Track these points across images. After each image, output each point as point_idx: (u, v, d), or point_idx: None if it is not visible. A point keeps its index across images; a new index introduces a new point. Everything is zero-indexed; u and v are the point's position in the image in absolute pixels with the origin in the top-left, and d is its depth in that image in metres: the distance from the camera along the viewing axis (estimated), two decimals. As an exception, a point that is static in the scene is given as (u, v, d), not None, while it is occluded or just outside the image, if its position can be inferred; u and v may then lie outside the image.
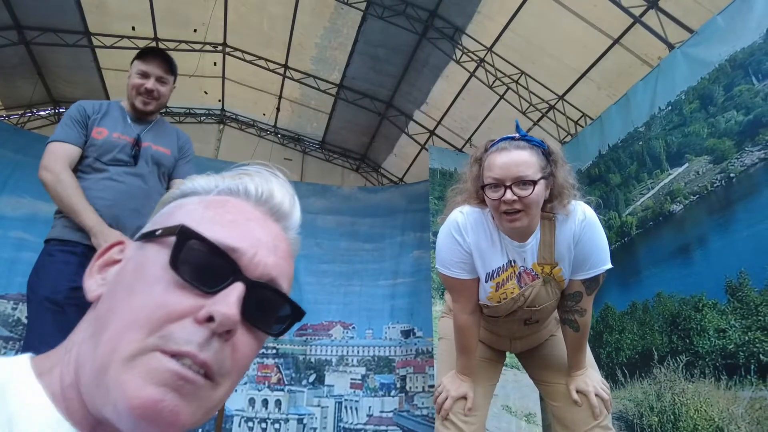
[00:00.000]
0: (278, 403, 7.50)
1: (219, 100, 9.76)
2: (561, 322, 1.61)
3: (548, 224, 1.48)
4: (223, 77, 9.03)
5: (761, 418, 3.36)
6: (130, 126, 2.04)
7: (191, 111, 9.86)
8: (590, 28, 5.88)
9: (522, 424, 5.69)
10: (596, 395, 1.55)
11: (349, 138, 10.08)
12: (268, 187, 0.58)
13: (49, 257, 1.78)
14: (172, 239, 0.48)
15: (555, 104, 6.98)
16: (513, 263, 1.51)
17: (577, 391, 1.57)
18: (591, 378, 1.59)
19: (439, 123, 8.58)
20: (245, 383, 7.56)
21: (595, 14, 5.73)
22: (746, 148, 3.87)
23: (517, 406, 5.75)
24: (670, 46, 5.07)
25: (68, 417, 0.45)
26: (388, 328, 8.14)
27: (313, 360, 7.99)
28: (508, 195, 1.36)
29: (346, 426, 7.52)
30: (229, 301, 0.46)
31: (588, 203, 1.50)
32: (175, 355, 0.44)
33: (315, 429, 7.46)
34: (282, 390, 7.63)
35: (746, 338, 3.55)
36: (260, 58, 8.36)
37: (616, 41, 5.86)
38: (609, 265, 1.48)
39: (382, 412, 7.56)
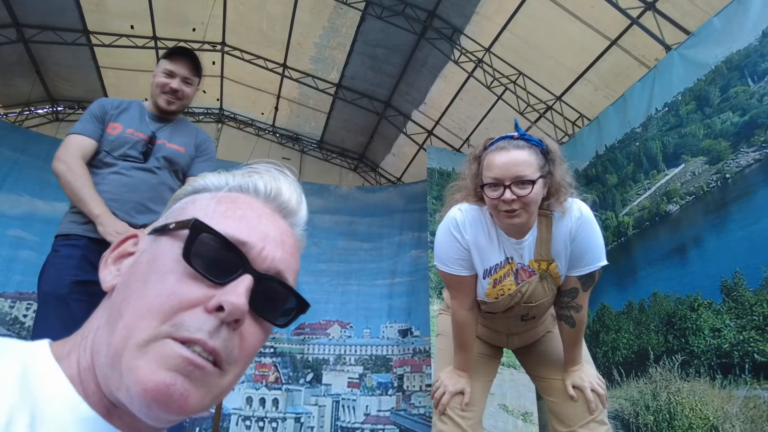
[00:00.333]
0: (275, 401, 7.51)
1: (217, 99, 9.77)
2: (557, 318, 1.63)
3: (545, 221, 1.50)
4: (222, 76, 9.03)
5: (755, 416, 3.38)
6: (148, 123, 2.04)
7: (189, 110, 9.85)
8: (588, 29, 5.90)
9: (519, 423, 5.71)
10: (592, 390, 1.57)
11: (347, 138, 10.10)
12: (276, 185, 0.60)
13: (54, 253, 1.80)
14: (185, 232, 0.50)
15: (552, 105, 7.01)
16: (510, 260, 1.54)
17: (573, 387, 1.59)
18: (587, 373, 1.61)
19: (437, 123, 8.60)
20: (243, 382, 7.56)
21: (593, 15, 5.76)
22: (742, 149, 3.90)
23: (514, 405, 5.78)
24: (667, 48, 5.10)
25: (85, 399, 0.47)
26: (386, 327, 8.16)
27: (310, 359, 8.00)
28: (507, 194, 1.37)
29: (344, 425, 7.53)
30: (238, 291, 0.48)
31: (584, 201, 1.52)
32: (186, 342, 0.46)
33: (312, 428, 7.47)
34: (279, 389, 7.64)
35: (741, 338, 3.58)
36: (259, 57, 8.36)
37: (614, 42, 5.89)
38: (605, 262, 1.50)
39: (379, 411, 7.58)
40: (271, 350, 7.88)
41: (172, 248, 0.51)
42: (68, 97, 8.94)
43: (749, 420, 3.42)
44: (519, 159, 1.39)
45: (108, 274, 0.55)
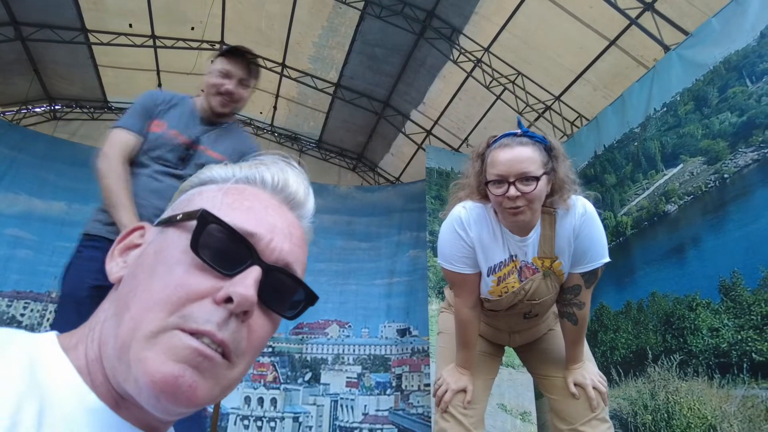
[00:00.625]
0: (274, 401, 7.51)
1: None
2: (559, 315, 1.63)
3: (548, 219, 1.50)
4: (220, 75, 9.00)
5: (753, 416, 3.39)
6: (195, 126, 1.93)
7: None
8: (587, 29, 5.92)
9: (517, 422, 5.72)
10: (594, 388, 1.57)
11: (346, 137, 10.09)
12: (283, 176, 0.60)
13: (77, 254, 1.75)
14: (193, 223, 0.50)
15: (551, 105, 7.02)
16: (514, 258, 1.54)
17: (575, 384, 1.59)
18: (588, 371, 1.61)
19: (436, 123, 8.60)
20: (241, 381, 7.54)
21: (592, 16, 5.77)
22: (740, 150, 3.92)
23: (513, 404, 5.79)
24: (666, 48, 5.11)
25: (93, 390, 0.47)
26: (384, 326, 8.16)
27: (309, 358, 8.00)
28: (512, 191, 1.38)
29: (342, 424, 7.53)
30: (246, 282, 0.48)
31: (587, 198, 1.52)
32: (195, 334, 0.45)
33: (310, 427, 7.46)
34: (278, 388, 7.63)
35: (739, 337, 3.59)
36: (257, 56, 8.34)
37: (612, 42, 5.91)
38: (607, 259, 1.51)
39: (377, 410, 7.58)
40: (270, 350, 7.87)
41: (179, 239, 0.51)
42: (66, 95, 8.91)
43: (747, 419, 3.43)
44: (523, 155, 1.39)
45: (114, 266, 0.55)
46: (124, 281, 0.52)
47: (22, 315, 6.84)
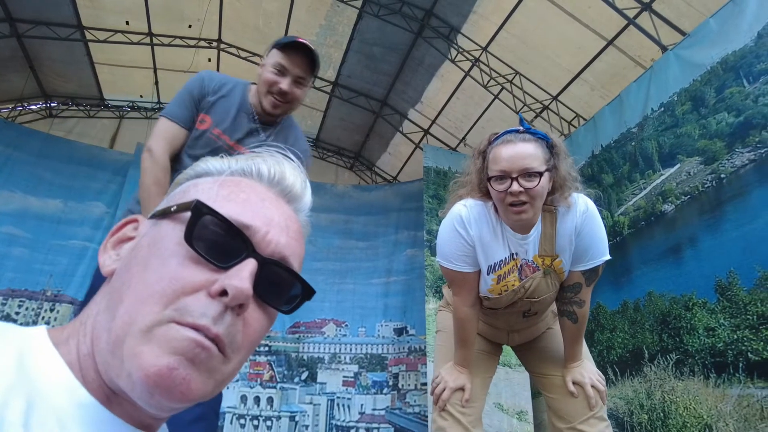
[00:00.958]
0: (270, 400, 7.49)
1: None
2: (559, 314, 1.63)
3: (549, 217, 1.49)
4: (218, 74, 8.98)
5: (749, 415, 3.41)
6: (243, 124, 1.74)
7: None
8: (584, 29, 5.92)
9: (514, 421, 5.73)
10: (592, 386, 1.57)
11: (343, 136, 10.08)
12: (280, 169, 0.59)
13: None
14: (187, 215, 0.49)
15: (549, 104, 7.03)
16: (515, 256, 1.53)
17: (574, 383, 1.59)
18: (587, 369, 1.61)
19: (433, 122, 8.60)
20: (237, 380, 7.53)
21: (590, 15, 5.78)
22: (736, 150, 3.93)
23: (509, 404, 5.79)
24: (663, 48, 5.12)
25: (84, 385, 0.46)
26: (381, 326, 8.15)
27: (305, 357, 7.98)
28: (515, 187, 1.37)
29: (338, 423, 7.52)
30: (242, 275, 0.47)
31: (588, 196, 1.52)
32: (190, 327, 0.45)
33: (307, 426, 7.45)
34: (274, 387, 7.62)
35: (735, 337, 3.60)
36: (255, 54, 8.32)
37: (610, 42, 5.92)
38: (608, 257, 1.50)
39: (374, 409, 7.57)
40: (266, 348, 7.86)
41: (173, 231, 0.50)
42: (62, 93, 8.85)
43: (743, 418, 3.44)
44: (526, 152, 1.39)
45: (107, 258, 0.54)
46: (117, 274, 0.51)
47: (17, 313, 6.80)
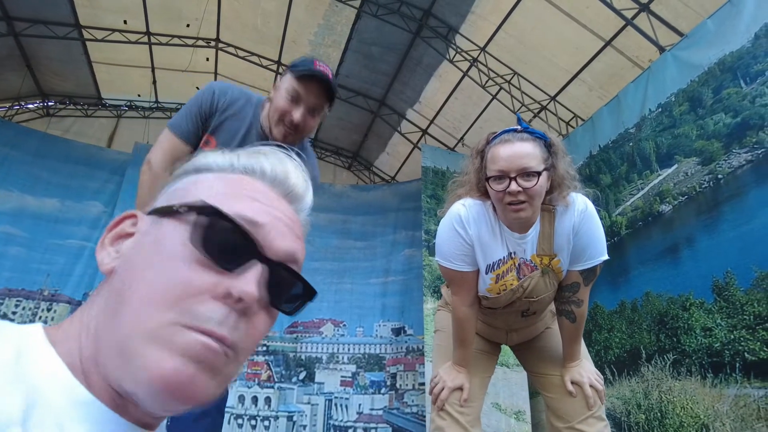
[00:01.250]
0: (268, 400, 7.48)
1: (211, 96, 9.69)
2: (557, 313, 1.63)
3: (548, 216, 1.50)
4: (216, 73, 8.96)
5: (745, 415, 3.42)
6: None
7: (181, 107, 9.78)
8: (582, 29, 5.93)
9: (511, 421, 5.74)
10: (590, 386, 1.57)
11: (341, 136, 10.07)
12: (283, 168, 0.58)
13: None
14: (192, 215, 0.48)
15: (547, 105, 7.04)
16: (513, 255, 1.53)
17: (572, 382, 1.59)
18: (585, 369, 1.61)
19: (431, 122, 8.61)
20: (235, 380, 7.50)
21: (588, 16, 5.79)
22: (734, 150, 3.94)
23: (507, 403, 5.80)
24: (661, 49, 5.13)
25: (88, 387, 0.45)
26: (379, 325, 8.15)
27: (303, 357, 7.98)
28: (513, 186, 1.37)
29: (336, 423, 7.52)
30: (248, 278, 0.47)
31: (586, 195, 1.52)
32: (196, 330, 0.45)
33: (305, 426, 7.44)
34: (272, 387, 7.60)
35: (732, 337, 3.61)
36: (253, 54, 8.32)
37: (608, 43, 5.93)
38: (606, 256, 1.51)
39: (372, 409, 7.57)
40: (264, 348, 7.84)
41: (177, 231, 0.49)
42: (59, 92, 8.83)
43: (739, 418, 3.45)
44: (524, 151, 1.39)
45: (106, 255, 0.51)
46: (117, 273, 0.49)
47: (14, 313, 6.77)
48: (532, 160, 1.38)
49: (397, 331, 8.04)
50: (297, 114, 1.59)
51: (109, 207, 7.66)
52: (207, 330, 0.45)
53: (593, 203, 1.51)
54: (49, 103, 8.98)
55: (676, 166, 4.50)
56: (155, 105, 9.35)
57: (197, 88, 9.37)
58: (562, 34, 6.11)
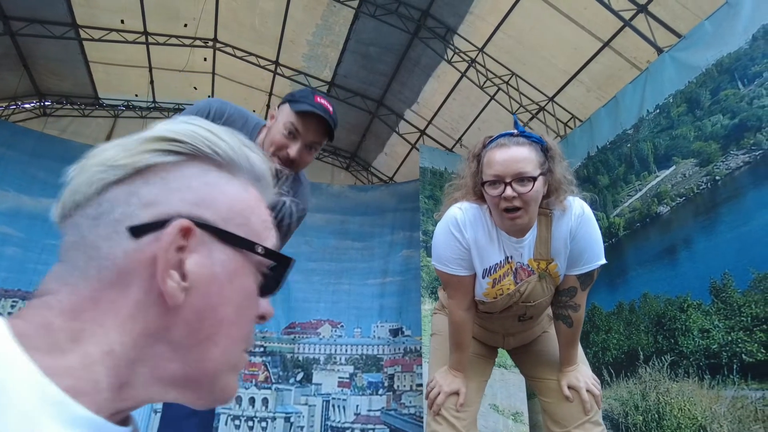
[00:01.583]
0: (265, 401, 7.47)
1: (209, 96, 9.68)
2: (554, 317, 1.62)
3: (545, 220, 1.48)
4: (213, 73, 8.95)
5: (743, 416, 3.42)
6: None
7: (180, 107, 9.76)
8: (581, 30, 5.93)
9: (509, 422, 5.73)
10: (587, 391, 1.56)
11: (339, 136, 10.05)
12: (265, 167, 0.55)
13: None
14: (263, 260, 0.50)
15: (545, 106, 7.04)
16: (510, 259, 1.52)
17: (569, 387, 1.58)
18: (582, 374, 1.60)
19: (429, 123, 8.60)
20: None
21: (586, 17, 5.78)
22: (731, 152, 3.94)
23: (505, 405, 5.80)
24: (659, 50, 5.13)
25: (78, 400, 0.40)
26: (377, 326, 8.14)
27: (300, 358, 7.96)
28: (508, 191, 1.36)
29: (334, 424, 7.51)
30: (268, 300, 0.54)
31: (583, 199, 1.51)
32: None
33: (302, 427, 7.43)
34: (269, 388, 7.59)
35: (729, 338, 3.61)
36: (251, 54, 8.30)
37: (606, 44, 5.93)
38: (603, 261, 1.50)
39: (369, 410, 7.56)
40: (261, 349, 7.83)
41: (246, 268, 0.49)
42: (56, 91, 8.80)
43: (737, 420, 3.46)
44: (520, 156, 1.38)
45: (176, 288, 0.43)
46: (193, 307, 0.45)
47: (10, 314, 6.74)
48: (528, 165, 1.37)
49: (395, 332, 8.03)
50: (293, 150, 1.55)
51: (106, 207, 7.63)
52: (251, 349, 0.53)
53: (591, 207, 1.50)
54: (46, 103, 8.95)
55: (673, 167, 4.50)
56: (152, 105, 9.32)
57: (195, 88, 9.39)
58: (560, 35, 6.11)
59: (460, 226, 1.50)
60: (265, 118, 1.76)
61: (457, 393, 1.61)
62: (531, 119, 7.16)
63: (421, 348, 6.84)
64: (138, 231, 0.44)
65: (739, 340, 3.54)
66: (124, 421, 0.46)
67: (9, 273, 6.93)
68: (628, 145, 5.09)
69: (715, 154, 4.07)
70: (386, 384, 7.75)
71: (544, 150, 1.43)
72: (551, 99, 6.93)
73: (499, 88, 7.15)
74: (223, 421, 7.19)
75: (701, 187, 4.16)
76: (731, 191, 3.90)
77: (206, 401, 0.48)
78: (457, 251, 1.50)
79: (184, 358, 0.45)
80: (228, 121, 1.62)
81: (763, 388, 3.34)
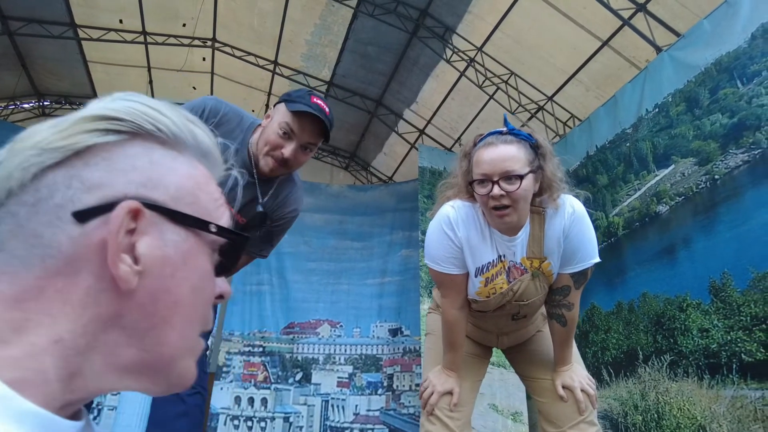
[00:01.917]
0: (264, 401, 7.46)
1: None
2: (548, 316, 1.61)
3: (537, 218, 1.48)
4: (212, 73, 8.95)
5: (742, 416, 3.41)
6: (245, 185, 1.56)
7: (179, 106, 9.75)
8: (579, 29, 5.92)
9: (508, 422, 5.72)
10: (582, 390, 1.55)
11: (338, 136, 10.04)
12: (211, 142, 0.53)
13: None
14: (215, 238, 0.49)
15: (544, 105, 7.03)
16: (503, 258, 1.51)
17: (563, 387, 1.57)
18: (577, 373, 1.60)
19: (428, 122, 8.59)
20: (231, 381, 7.50)
21: (585, 16, 5.77)
22: (730, 151, 3.93)
23: (504, 404, 5.78)
24: (658, 49, 5.12)
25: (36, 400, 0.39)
26: (376, 326, 8.13)
27: (299, 358, 7.95)
28: (496, 190, 1.36)
29: (333, 425, 7.50)
30: (225, 280, 0.53)
31: (576, 197, 1.50)
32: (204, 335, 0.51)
33: (301, 427, 7.42)
34: (268, 388, 7.58)
35: (728, 338, 3.60)
36: (250, 54, 8.30)
37: (605, 43, 5.92)
38: (597, 259, 1.49)
39: (368, 410, 7.55)
40: (260, 349, 7.82)
41: (199, 248, 0.47)
42: (55, 91, 8.80)
43: (736, 420, 3.45)
44: (507, 154, 1.38)
45: (129, 271, 0.42)
46: (142, 289, 0.43)
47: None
48: (516, 163, 1.36)
49: (394, 332, 8.02)
50: (288, 150, 1.54)
51: (105, 207, 7.63)
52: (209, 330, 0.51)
53: (585, 205, 1.49)
54: (45, 103, 8.95)
55: (673, 166, 4.48)
56: (152, 106, 9.32)
57: (194, 87, 9.37)
58: (559, 35, 6.10)
59: (452, 224, 1.49)
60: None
61: (450, 393, 1.60)
62: (530, 119, 7.15)
63: (420, 348, 6.83)
64: (83, 216, 0.42)
65: (738, 340, 3.53)
66: (76, 415, 0.44)
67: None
68: (627, 144, 5.07)
69: (714, 153, 4.06)
70: (385, 384, 7.74)
71: (534, 147, 1.43)
72: (550, 98, 6.92)
73: (498, 88, 7.14)
74: (222, 421, 7.19)
75: (700, 187, 4.15)
76: (730, 190, 3.89)
77: (162, 388, 0.47)
78: (450, 250, 1.50)
79: (139, 343, 0.44)
80: (223, 119, 1.61)
81: (763, 388, 3.32)
